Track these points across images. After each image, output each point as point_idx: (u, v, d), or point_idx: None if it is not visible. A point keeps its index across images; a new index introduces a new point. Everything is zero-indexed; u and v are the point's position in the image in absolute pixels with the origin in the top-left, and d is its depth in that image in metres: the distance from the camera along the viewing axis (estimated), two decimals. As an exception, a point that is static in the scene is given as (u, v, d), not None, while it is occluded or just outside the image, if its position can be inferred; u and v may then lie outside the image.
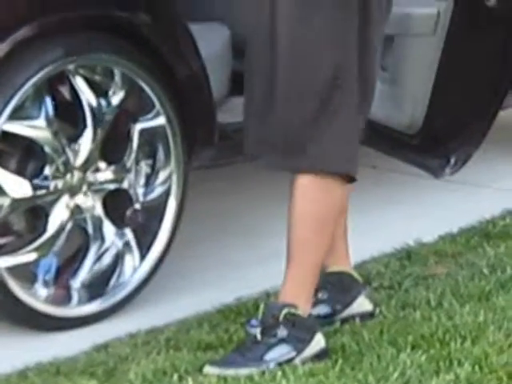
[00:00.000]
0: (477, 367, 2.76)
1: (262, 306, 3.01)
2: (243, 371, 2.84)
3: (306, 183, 2.95)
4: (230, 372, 2.83)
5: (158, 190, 3.38)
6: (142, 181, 3.37)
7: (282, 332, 2.92)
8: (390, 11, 3.02)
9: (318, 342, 2.95)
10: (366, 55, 2.90)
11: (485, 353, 2.86)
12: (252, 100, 3.09)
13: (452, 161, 3.75)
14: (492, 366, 2.77)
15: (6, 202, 3.02)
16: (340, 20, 2.85)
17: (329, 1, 2.81)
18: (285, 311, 2.91)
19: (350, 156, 2.98)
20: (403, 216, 4.20)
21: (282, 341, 2.92)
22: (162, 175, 3.38)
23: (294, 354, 2.91)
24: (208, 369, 2.86)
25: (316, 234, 2.99)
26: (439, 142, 3.70)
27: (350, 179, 3.00)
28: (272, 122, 3.00)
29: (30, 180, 3.07)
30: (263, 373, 2.80)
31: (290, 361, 2.89)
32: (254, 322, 2.98)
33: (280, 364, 2.88)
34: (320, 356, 2.94)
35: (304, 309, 2.96)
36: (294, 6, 2.84)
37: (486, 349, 2.90)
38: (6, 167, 3.04)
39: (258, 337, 2.94)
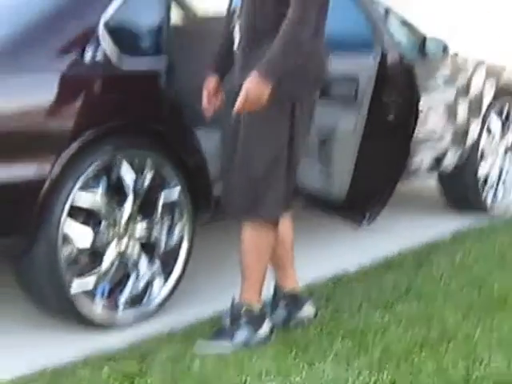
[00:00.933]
0: (384, 351, 2.83)
1: (230, 305, 3.04)
2: (219, 348, 2.93)
3: (251, 227, 2.97)
4: (211, 350, 2.92)
5: (176, 236, 3.37)
6: (165, 230, 3.35)
7: (243, 321, 2.98)
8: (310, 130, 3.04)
9: (267, 324, 3.02)
10: (293, 152, 2.91)
11: (389, 341, 2.92)
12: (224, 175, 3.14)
13: (367, 216, 3.77)
14: (395, 351, 2.83)
15: (75, 247, 3.05)
16: (275, 132, 2.87)
17: (266, 122, 2.83)
18: (244, 308, 2.99)
19: (279, 212, 2.99)
20: (336, 253, 4.20)
21: (244, 326, 2.98)
22: (178, 226, 3.37)
23: (250, 334, 2.97)
24: (196, 348, 2.93)
25: (257, 261, 3.02)
26: (358, 204, 3.76)
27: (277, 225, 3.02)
28: (229, 190, 3.06)
29: (93, 229, 3.08)
30: (249, 351, 2.88)
31: (249, 339, 2.96)
32: (225, 314, 3.04)
33: (247, 342, 2.97)
34: (270, 333, 3.02)
35: (256, 305, 3.01)
36: (248, 118, 2.85)
37: (390, 339, 2.96)
38: (76, 220, 3.04)
39: (228, 324, 3.02)
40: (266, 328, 3.01)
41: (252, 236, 2.96)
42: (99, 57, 3.12)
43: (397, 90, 3.61)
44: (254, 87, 2.73)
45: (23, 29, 3.09)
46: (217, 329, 3.08)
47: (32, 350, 2.94)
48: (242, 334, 2.97)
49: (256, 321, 3.00)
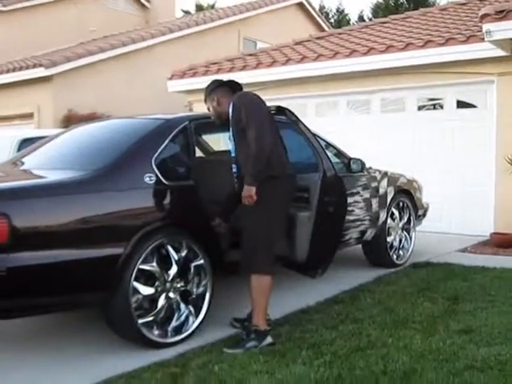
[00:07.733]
0: (333, 355, 2.88)
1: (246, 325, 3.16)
2: (235, 350, 3.03)
3: (255, 277, 3.10)
4: (231, 351, 3.02)
5: (202, 288, 3.37)
6: (195, 284, 3.35)
7: (253, 335, 3.12)
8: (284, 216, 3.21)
9: (268, 339, 3.12)
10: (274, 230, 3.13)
11: (337, 348, 2.97)
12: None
13: (319, 271, 3.72)
14: (340, 355, 2.88)
15: (140, 296, 3.07)
16: (262, 217, 3.10)
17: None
18: (253, 328, 3.12)
19: (272, 267, 3.14)
20: (300, 294, 4.18)
21: (253, 339, 3.10)
22: (203, 281, 3.37)
23: (257, 343, 3.08)
24: (225, 349, 3.05)
25: (261, 298, 3.13)
26: (314, 263, 3.68)
27: (272, 274, 3.14)
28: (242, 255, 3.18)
29: (153, 286, 3.12)
30: (248, 355, 2.91)
31: (256, 347, 3.05)
32: (243, 333, 3.17)
33: (254, 348, 3.04)
34: (269, 345, 3.09)
35: (263, 326, 3.14)
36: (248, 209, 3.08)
37: (336, 347, 2.99)
38: (141, 283, 3.06)
39: (244, 337, 3.16)
40: (268, 341, 3.12)
41: (257, 283, 3.12)
42: (154, 178, 3.21)
43: (333, 194, 3.63)
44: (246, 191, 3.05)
45: (115, 163, 3.16)
46: (235, 342, 3.18)
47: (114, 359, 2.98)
48: (251, 344, 3.08)
49: (261, 336, 3.11)
